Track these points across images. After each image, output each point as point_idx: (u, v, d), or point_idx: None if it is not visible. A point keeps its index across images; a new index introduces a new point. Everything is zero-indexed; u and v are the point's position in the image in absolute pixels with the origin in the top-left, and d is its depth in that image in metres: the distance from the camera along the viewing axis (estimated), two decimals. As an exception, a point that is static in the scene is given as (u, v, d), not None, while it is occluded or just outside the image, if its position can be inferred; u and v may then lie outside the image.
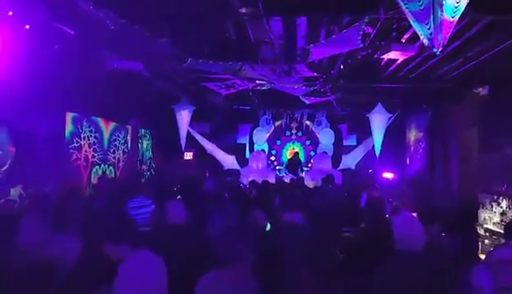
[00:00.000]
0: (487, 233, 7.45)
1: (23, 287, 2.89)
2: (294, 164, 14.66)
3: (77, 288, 2.93)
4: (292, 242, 3.35)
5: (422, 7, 3.50)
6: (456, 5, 3.41)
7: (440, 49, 3.59)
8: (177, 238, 3.85)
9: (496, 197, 7.60)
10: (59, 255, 3.52)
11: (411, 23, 3.75)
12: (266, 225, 4.50)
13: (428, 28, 3.52)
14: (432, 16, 3.44)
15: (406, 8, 3.68)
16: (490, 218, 7.64)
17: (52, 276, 2.88)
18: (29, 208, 5.41)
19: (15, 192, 6.62)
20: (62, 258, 3.49)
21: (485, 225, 7.66)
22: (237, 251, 2.32)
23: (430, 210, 8.15)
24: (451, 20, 3.45)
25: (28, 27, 4.71)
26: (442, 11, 3.39)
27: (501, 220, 7.28)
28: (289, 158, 15.48)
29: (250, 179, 10.95)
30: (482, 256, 4.65)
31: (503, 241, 5.38)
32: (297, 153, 15.43)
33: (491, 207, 7.66)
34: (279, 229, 4.12)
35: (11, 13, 4.42)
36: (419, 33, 3.72)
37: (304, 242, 3.52)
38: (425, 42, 3.68)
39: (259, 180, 10.14)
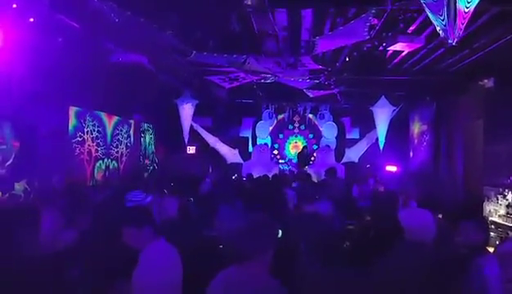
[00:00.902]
0: (493, 226, 7.41)
1: (36, 281, 2.87)
2: (304, 158, 14.64)
3: (91, 281, 2.90)
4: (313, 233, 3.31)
5: None
6: (471, -5, 3.36)
7: (455, 40, 3.54)
8: (170, 233, 3.83)
9: (501, 189, 7.56)
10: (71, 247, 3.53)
11: (428, 14, 3.70)
12: (277, 233, 4.48)
13: (443, 20, 3.47)
14: (445, 7, 3.39)
15: (422, 0, 3.62)
16: (495, 211, 7.60)
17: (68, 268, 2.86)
18: (45, 202, 5.39)
19: (19, 187, 6.60)
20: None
21: (490, 218, 7.62)
22: (258, 246, 2.27)
23: (434, 202, 8.17)
24: (466, 10, 3.40)
25: (32, 20, 4.67)
26: (456, 1, 3.33)
27: (507, 213, 7.24)
28: (298, 152, 15.42)
29: (248, 173, 10.97)
30: (490, 249, 4.63)
31: (511, 234, 5.37)
32: (305, 147, 15.37)
33: (497, 199, 7.63)
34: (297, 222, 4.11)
35: (14, 6, 4.38)
36: (435, 24, 3.67)
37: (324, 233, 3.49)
38: (440, 33, 3.63)
39: (259, 174, 10.18)
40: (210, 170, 12.85)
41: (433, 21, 3.70)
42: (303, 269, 3.24)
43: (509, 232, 6.56)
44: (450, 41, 3.59)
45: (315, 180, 10.64)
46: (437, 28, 3.69)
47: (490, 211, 7.77)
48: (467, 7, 3.42)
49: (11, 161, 6.52)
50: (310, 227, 3.64)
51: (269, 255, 2.29)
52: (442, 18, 3.49)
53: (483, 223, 3.73)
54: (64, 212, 4.53)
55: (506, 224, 7.05)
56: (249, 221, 2.40)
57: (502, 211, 7.42)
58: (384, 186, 8.29)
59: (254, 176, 9.89)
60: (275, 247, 2.33)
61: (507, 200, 7.37)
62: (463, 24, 3.49)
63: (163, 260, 2.63)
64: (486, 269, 3.16)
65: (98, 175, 9.40)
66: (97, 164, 9.41)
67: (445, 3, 3.39)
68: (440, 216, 6.81)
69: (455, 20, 3.41)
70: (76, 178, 7.93)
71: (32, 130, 6.85)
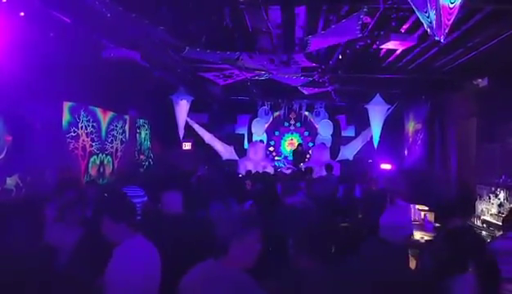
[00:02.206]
0: (485, 225, 7.45)
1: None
2: (299, 155, 14.64)
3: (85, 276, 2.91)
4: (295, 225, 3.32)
5: None
6: (455, -10, 3.31)
7: (442, 37, 3.49)
8: (173, 228, 3.83)
9: (493, 188, 7.59)
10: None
11: (416, 12, 3.67)
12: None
13: (428, 17, 3.43)
14: (429, 4, 3.36)
15: None
16: (487, 209, 7.63)
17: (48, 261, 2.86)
18: (45, 198, 5.41)
19: (11, 181, 6.59)
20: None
21: (482, 217, 7.66)
22: (232, 237, 2.27)
23: (428, 201, 8.21)
24: (451, 5, 3.34)
25: (22, 14, 4.65)
26: None
27: (499, 212, 7.27)
28: (293, 149, 15.43)
29: (247, 170, 10.98)
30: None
31: (500, 233, 5.38)
32: (300, 144, 15.38)
33: (489, 198, 7.66)
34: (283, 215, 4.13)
35: (4, 0, 4.36)
36: (422, 21, 3.64)
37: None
38: (428, 30, 3.61)
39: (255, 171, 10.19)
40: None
41: (421, 19, 3.67)
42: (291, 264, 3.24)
43: (496, 231, 6.59)
44: (437, 38, 3.56)
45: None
46: (425, 26, 3.66)
47: (482, 209, 7.80)
48: (452, 2, 3.35)
49: (3, 155, 6.50)
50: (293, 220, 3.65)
51: (246, 251, 2.29)
52: (427, 15, 3.45)
53: (452, 239, 3.07)
54: (62, 208, 4.58)
55: (498, 223, 7.07)
56: (229, 214, 2.41)
57: (494, 210, 7.45)
58: (378, 184, 8.31)
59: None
60: (253, 244, 2.33)
61: (499, 199, 7.40)
62: (449, 20, 3.43)
63: (136, 259, 2.60)
64: (458, 288, 2.84)
65: (92, 171, 9.40)
66: (92, 159, 9.40)
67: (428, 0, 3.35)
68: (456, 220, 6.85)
69: (440, 17, 3.36)
70: (70, 173, 7.92)
71: (25, 124, 6.82)
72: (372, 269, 2.82)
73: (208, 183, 6.69)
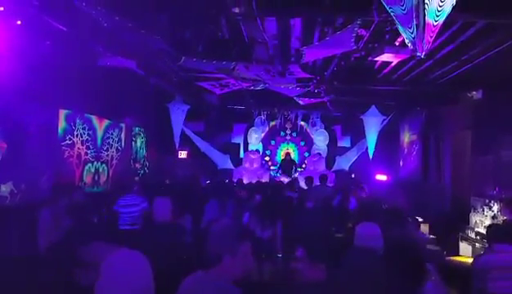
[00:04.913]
0: (478, 237, 7.46)
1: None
2: (286, 165, 14.62)
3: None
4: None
5: (405, 11, 3.46)
6: (440, 8, 3.34)
7: (423, 53, 3.56)
8: (163, 236, 3.84)
9: (487, 200, 7.61)
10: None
11: (397, 26, 3.74)
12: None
13: (412, 32, 3.48)
14: (414, 20, 3.41)
15: (391, 12, 3.66)
16: (481, 222, 7.65)
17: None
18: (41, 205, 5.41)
19: (5, 188, 6.57)
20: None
21: (476, 229, 7.68)
22: (220, 250, 2.26)
23: (422, 212, 8.23)
24: (435, 23, 3.40)
25: (19, 22, 4.68)
26: (424, 14, 3.35)
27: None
28: (282, 158, 15.43)
29: (238, 179, 11.00)
30: (470, 260, 4.65)
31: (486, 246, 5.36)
32: (288, 153, 15.37)
33: (483, 210, 7.68)
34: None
35: (1, 8, 4.39)
36: (404, 36, 3.70)
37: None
38: (409, 45, 3.67)
39: (250, 180, 10.21)
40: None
41: (402, 33, 3.73)
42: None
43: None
44: (418, 54, 3.61)
45: (305, 187, 10.72)
46: (406, 41, 3.72)
47: (476, 222, 7.82)
48: (436, 20, 3.41)
49: (-3, 162, 6.49)
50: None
51: (238, 263, 2.29)
52: (411, 30, 3.50)
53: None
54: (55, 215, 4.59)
55: (491, 235, 7.08)
56: (216, 226, 2.40)
57: (488, 222, 7.46)
58: (368, 194, 8.35)
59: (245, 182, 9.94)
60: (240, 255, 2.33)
61: (492, 211, 7.43)
62: (431, 37, 3.49)
63: (125, 271, 2.50)
64: None
65: (87, 179, 9.38)
66: (86, 167, 9.38)
67: (414, 16, 3.40)
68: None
69: (423, 33, 3.42)
70: (64, 180, 7.90)
71: (20, 131, 6.82)
72: (347, 277, 2.85)
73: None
